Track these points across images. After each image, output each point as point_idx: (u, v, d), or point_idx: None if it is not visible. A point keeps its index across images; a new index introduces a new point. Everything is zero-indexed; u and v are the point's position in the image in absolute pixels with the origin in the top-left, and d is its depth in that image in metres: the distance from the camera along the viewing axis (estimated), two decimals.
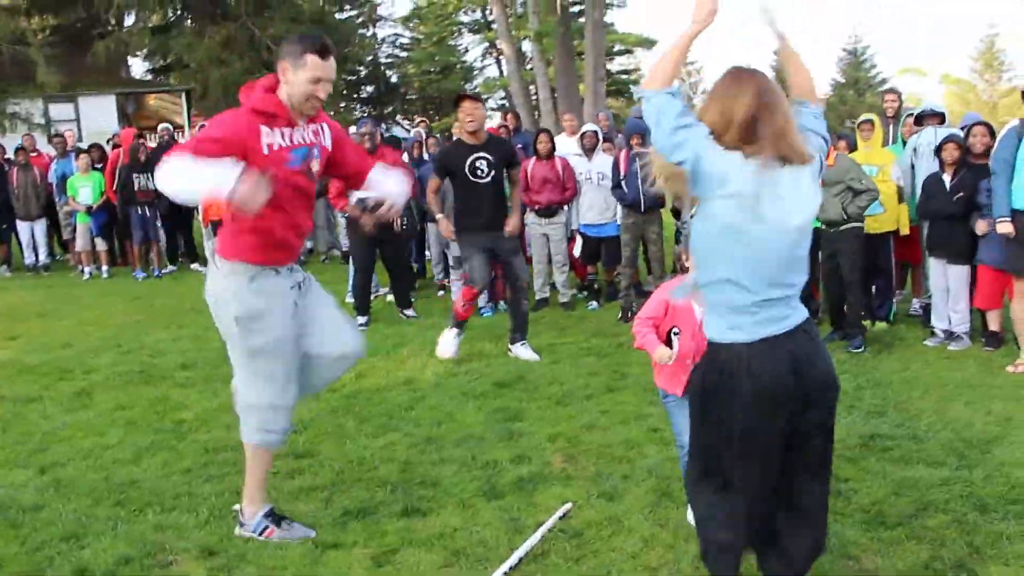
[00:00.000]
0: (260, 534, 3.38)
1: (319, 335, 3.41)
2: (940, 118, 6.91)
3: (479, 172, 6.05)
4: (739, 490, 2.51)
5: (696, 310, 3.28)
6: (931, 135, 6.73)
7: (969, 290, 6.28)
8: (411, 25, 38.61)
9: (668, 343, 3.39)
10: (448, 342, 6.29)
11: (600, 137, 8.11)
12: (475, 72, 38.65)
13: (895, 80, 40.83)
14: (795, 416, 2.43)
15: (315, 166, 3.31)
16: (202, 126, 9.21)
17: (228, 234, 3.25)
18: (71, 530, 3.50)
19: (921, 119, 6.99)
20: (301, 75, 3.08)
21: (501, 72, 39.32)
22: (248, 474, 3.44)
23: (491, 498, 3.81)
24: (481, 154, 6.05)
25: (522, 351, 6.32)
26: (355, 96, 34.74)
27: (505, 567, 3.14)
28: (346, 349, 3.52)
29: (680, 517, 3.57)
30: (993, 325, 6.20)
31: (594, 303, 8.33)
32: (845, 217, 6.09)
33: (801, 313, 2.48)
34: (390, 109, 35.85)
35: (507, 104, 39.80)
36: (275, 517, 3.43)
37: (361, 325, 7.27)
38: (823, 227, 6.27)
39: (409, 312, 7.80)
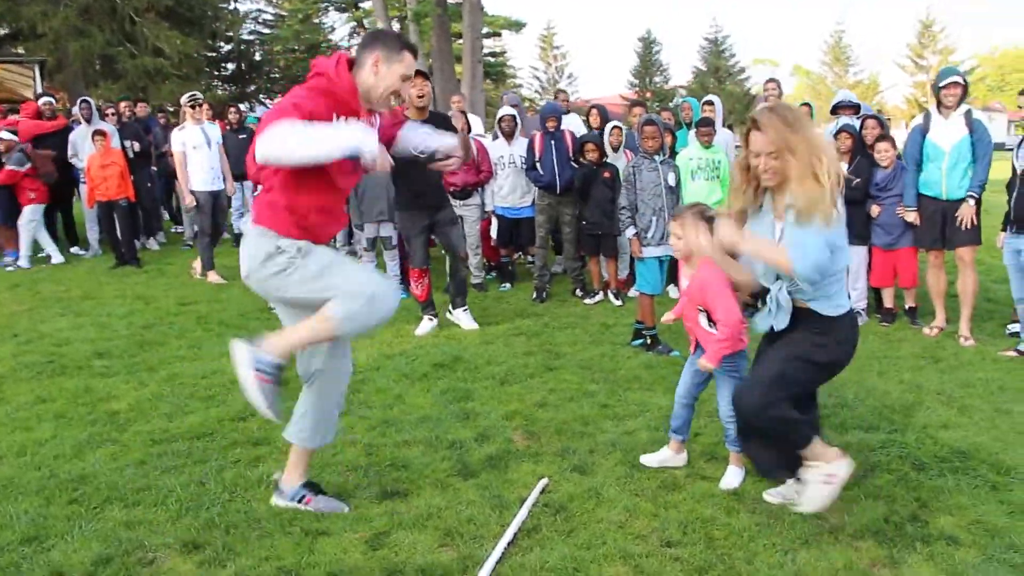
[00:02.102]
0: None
1: None
2: (855, 109, 7.36)
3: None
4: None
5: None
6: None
7: (866, 270, 6.79)
8: (275, 2, 37.35)
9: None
10: (425, 327, 6.51)
11: (518, 121, 8.14)
12: (342, 51, 37.80)
13: (751, 69, 43.11)
14: None
15: None
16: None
17: (267, 206, 3.11)
18: (29, 532, 3.26)
19: (836, 110, 7.43)
20: (396, 69, 3.05)
21: None
22: (297, 331, 3.17)
23: (466, 477, 3.84)
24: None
25: (463, 316, 6.45)
26: (216, 74, 33.21)
27: (502, 544, 3.17)
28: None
29: (655, 486, 3.72)
30: (887, 302, 6.72)
31: (507, 284, 8.41)
32: None
33: None
34: (253, 88, 34.56)
35: None
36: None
37: (272, 308, 7.06)
38: None
39: None
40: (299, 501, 3.46)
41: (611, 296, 7.78)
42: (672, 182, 5.82)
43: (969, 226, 6.04)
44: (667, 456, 3.95)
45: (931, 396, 4.89)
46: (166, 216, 12.37)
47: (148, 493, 3.61)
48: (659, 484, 3.75)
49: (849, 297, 6.59)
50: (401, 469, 3.91)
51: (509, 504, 3.54)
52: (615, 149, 7.74)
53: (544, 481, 3.75)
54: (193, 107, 8.59)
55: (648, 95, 42.86)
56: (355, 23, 36.86)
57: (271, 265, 3.08)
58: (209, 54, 29.71)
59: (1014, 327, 6.22)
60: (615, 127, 7.83)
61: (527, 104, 21.42)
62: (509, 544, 3.20)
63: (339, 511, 3.46)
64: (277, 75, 35.51)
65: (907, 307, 6.76)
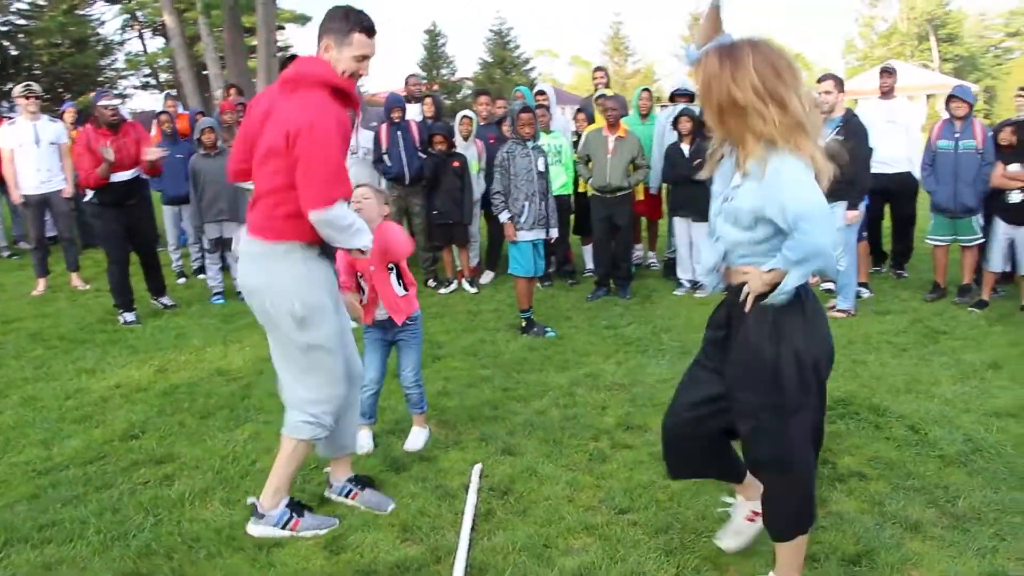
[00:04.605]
0: (284, 526, 3.19)
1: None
2: (691, 97, 7.78)
3: None
4: None
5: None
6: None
7: None
8: None
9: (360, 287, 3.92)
10: None
11: (359, 115, 7.94)
12: (115, 46, 35.00)
13: (534, 60, 44.45)
14: None
15: None
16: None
17: (275, 217, 2.97)
18: None
19: (673, 97, 7.84)
20: (346, 53, 2.95)
21: (144, 48, 36.08)
22: (281, 468, 3.20)
23: (398, 471, 3.78)
24: None
25: None
26: None
27: (466, 531, 3.16)
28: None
29: (585, 459, 3.84)
30: None
31: None
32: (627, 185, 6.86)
33: None
34: (10, 86, 31.18)
35: (153, 81, 36.82)
36: (297, 506, 3.27)
37: (131, 322, 6.50)
38: (597, 193, 6.95)
39: (165, 300, 7.11)
40: (346, 495, 3.44)
41: (465, 284, 7.85)
42: (542, 167, 5.96)
43: None
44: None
45: None
46: None
47: (56, 529, 3.24)
48: (588, 457, 3.88)
49: (694, 271, 7.20)
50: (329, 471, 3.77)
51: (453, 492, 3.53)
52: (465, 139, 7.79)
53: (478, 466, 3.76)
54: (26, 97, 7.67)
55: (436, 87, 43.02)
56: (128, 15, 34.21)
57: (282, 305, 3.02)
58: None
59: (826, 285, 6.96)
60: (464, 117, 7.88)
61: None
62: (471, 530, 3.20)
63: (385, 508, 3.38)
64: (39, 71, 32.25)
65: None
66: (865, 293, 6.84)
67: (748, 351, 2.49)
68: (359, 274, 3.86)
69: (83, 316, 6.79)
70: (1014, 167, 6.22)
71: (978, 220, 6.51)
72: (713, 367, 2.67)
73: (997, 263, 6.40)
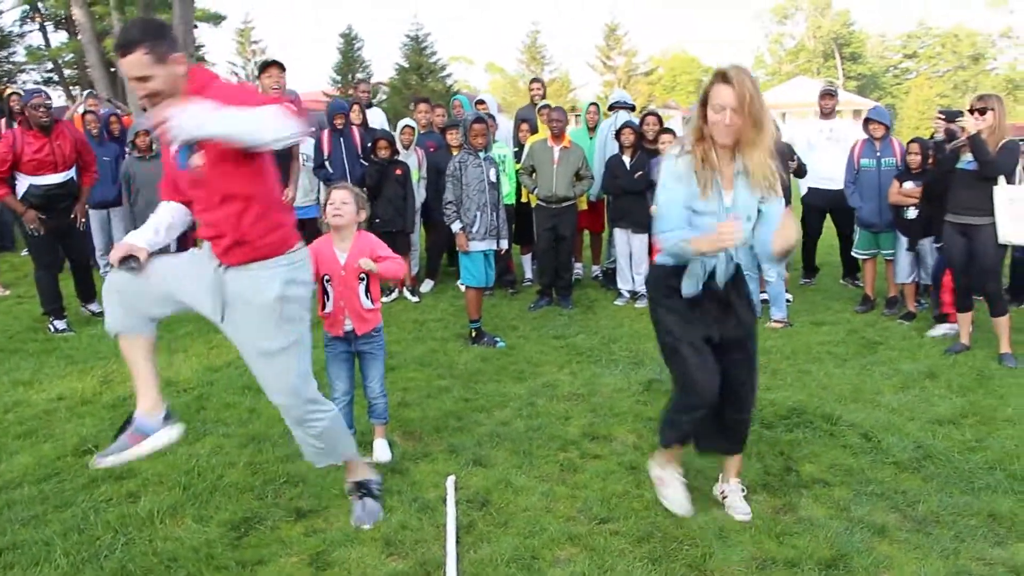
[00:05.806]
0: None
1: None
2: (631, 108, 7.95)
3: None
4: None
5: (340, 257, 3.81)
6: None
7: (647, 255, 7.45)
8: None
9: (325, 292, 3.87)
10: None
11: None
12: (13, 38, 33.31)
13: (450, 67, 44.33)
14: None
15: (197, 160, 2.82)
16: None
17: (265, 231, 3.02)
18: None
19: (613, 108, 7.97)
20: None
21: (47, 41, 34.48)
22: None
23: None
24: None
25: None
26: None
27: (452, 545, 3.15)
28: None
29: (557, 470, 3.88)
30: None
31: None
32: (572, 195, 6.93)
33: None
34: None
35: (56, 77, 35.19)
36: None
37: (62, 330, 6.21)
38: (542, 203, 7.01)
39: (94, 307, 6.82)
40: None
41: (407, 293, 7.80)
42: (493, 178, 5.98)
43: None
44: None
45: None
46: None
47: (19, 552, 3.09)
48: (559, 468, 3.92)
49: (634, 281, 7.33)
50: (299, 484, 3.70)
51: (431, 505, 3.51)
52: (406, 147, 7.75)
53: (452, 478, 3.75)
54: None
55: (351, 92, 42.42)
56: (28, 7, 32.57)
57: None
58: None
59: (762, 296, 7.18)
60: (406, 126, 7.84)
61: None
62: (456, 543, 3.19)
63: (367, 523, 3.34)
64: None
65: None
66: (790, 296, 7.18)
67: (752, 322, 3.36)
68: (325, 277, 3.80)
69: (9, 324, 6.47)
70: (909, 185, 6.56)
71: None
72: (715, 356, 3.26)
73: (903, 274, 6.73)
